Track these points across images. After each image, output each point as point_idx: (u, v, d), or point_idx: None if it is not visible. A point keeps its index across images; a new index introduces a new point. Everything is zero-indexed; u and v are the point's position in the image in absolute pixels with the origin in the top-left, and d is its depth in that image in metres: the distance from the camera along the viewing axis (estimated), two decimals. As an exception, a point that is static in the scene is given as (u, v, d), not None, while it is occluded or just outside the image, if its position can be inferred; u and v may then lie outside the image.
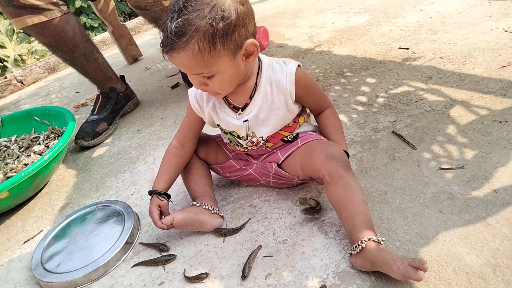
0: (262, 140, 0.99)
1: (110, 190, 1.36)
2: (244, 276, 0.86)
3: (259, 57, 0.94)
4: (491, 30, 1.61)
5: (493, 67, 1.35)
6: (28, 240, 1.22)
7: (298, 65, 0.93)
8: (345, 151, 0.93)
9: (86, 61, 1.74)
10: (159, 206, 0.99)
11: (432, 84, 1.37)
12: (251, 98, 0.93)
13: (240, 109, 0.95)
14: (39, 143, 1.61)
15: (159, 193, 1.01)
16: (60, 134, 1.64)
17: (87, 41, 1.73)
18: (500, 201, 0.85)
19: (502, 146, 1.00)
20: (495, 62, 1.38)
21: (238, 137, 0.99)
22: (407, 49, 1.69)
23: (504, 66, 1.33)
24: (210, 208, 1.01)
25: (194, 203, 1.02)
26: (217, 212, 1.02)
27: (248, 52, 0.83)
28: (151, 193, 1.02)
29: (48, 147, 1.58)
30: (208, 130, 1.15)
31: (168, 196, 1.03)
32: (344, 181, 0.84)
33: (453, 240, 0.80)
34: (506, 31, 1.56)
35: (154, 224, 0.96)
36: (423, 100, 1.30)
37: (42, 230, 1.26)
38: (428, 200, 0.91)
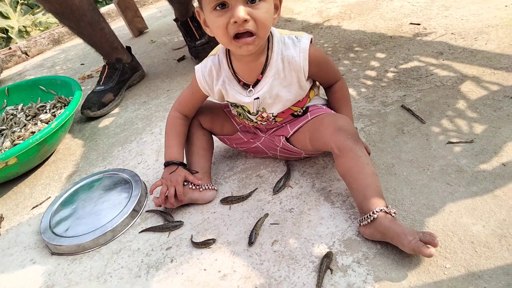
0: (272, 116, 0.98)
1: (117, 159, 1.37)
2: (250, 243, 0.87)
3: (270, 31, 0.89)
4: (506, 6, 1.57)
5: (506, 43, 1.33)
6: (36, 206, 1.24)
7: (311, 39, 0.90)
8: None
9: (92, 30, 1.73)
10: (186, 180, 1.01)
11: (443, 60, 1.35)
12: (262, 74, 0.91)
13: (250, 86, 0.93)
14: (46, 112, 1.61)
15: (185, 165, 1.05)
16: (67, 103, 1.64)
17: (94, 10, 1.71)
18: (509, 174, 0.85)
19: (512, 121, 0.99)
20: (509, 38, 1.35)
21: (249, 112, 0.98)
22: (419, 24, 1.66)
23: (517, 43, 1.31)
24: (197, 187, 1.01)
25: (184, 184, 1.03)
26: (207, 187, 1.03)
27: (275, 4, 0.81)
28: (167, 164, 1.03)
29: (54, 116, 1.58)
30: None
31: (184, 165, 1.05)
32: (354, 153, 0.84)
33: (460, 211, 0.80)
34: (520, 7, 1.52)
35: (160, 197, 1.00)
36: (433, 75, 1.28)
37: (49, 197, 1.27)
38: (436, 173, 0.91)
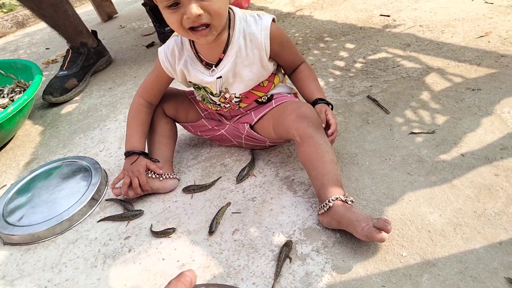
0: (235, 97, 0.96)
1: (78, 146, 1.32)
2: (211, 232, 0.85)
3: (232, 9, 0.90)
4: (472, 0, 1.60)
5: (471, 36, 1.35)
6: (-10, 194, 1.18)
7: (273, 19, 0.90)
8: (327, 102, 0.92)
9: (55, 12, 1.65)
10: (147, 168, 0.99)
11: (410, 52, 1.36)
12: (224, 53, 0.90)
13: (213, 66, 0.91)
14: (3, 96, 1.53)
15: (146, 154, 1.02)
16: (26, 88, 1.56)
17: (56, -9, 1.63)
18: (467, 165, 0.86)
19: (473, 113, 1.01)
20: (473, 32, 1.37)
21: (212, 93, 0.96)
22: (388, 16, 1.67)
23: (481, 36, 1.33)
24: (157, 176, 0.99)
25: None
26: (167, 177, 1.00)
27: None
28: (128, 154, 1.00)
29: (12, 100, 1.51)
30: (180, 86, 1.12)
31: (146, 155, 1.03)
32: (314, 141, 0.83)
33: (418, 200, 0.81)
34: (486, 2, 1.55)
35: (124, 187, 0.97)
36: (400, 67, 1.29)
37: (5, 185, 1.21)
38: (397, 162, 0.92)
